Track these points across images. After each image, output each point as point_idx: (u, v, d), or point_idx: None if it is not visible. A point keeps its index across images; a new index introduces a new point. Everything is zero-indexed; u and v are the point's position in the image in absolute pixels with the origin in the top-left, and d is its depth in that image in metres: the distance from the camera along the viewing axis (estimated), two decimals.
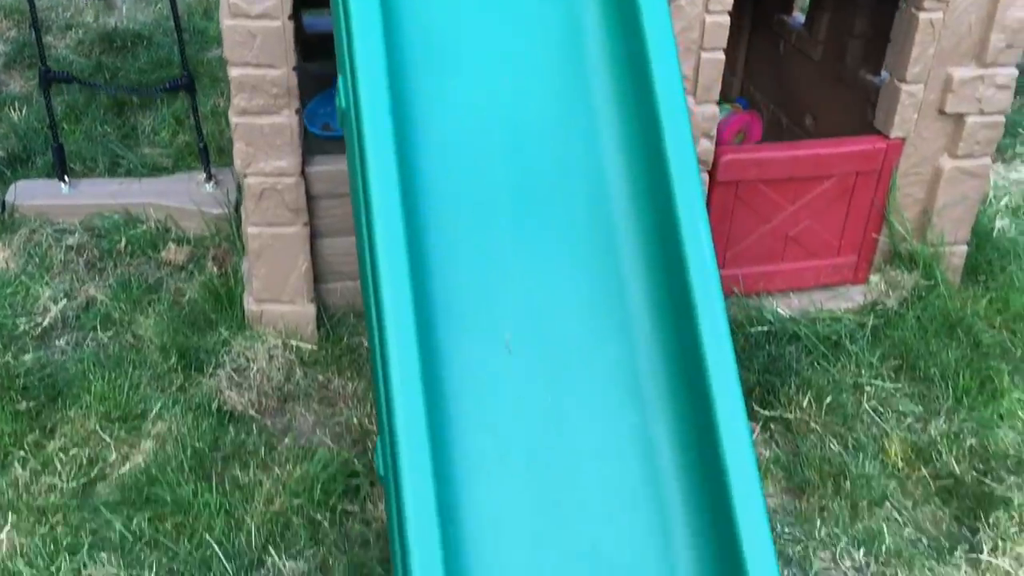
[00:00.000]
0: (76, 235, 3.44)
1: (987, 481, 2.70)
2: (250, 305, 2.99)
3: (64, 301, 3.14)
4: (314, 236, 2.96)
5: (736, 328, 3.16)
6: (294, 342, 3.00)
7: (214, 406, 2.77)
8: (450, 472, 1.81)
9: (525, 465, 1.86)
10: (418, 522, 1.68)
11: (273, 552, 2.37)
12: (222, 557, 2.32)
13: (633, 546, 1.89)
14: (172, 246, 3.40)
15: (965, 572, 2.45)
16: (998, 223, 3.79)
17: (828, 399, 2.93)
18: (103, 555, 2.32)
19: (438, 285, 1.95)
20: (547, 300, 2.02)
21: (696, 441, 1.93)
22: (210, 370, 2.89)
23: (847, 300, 3.37)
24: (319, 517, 2.47)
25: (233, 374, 2.89)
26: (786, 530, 2.55)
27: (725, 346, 1.90)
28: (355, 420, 2.80)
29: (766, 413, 2.90)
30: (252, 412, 2.79)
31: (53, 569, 2.28)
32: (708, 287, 1.94)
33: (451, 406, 1.85)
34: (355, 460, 2.63)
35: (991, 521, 2.56)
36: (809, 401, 2.93)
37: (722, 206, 3.17)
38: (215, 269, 3.27)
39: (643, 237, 2.10)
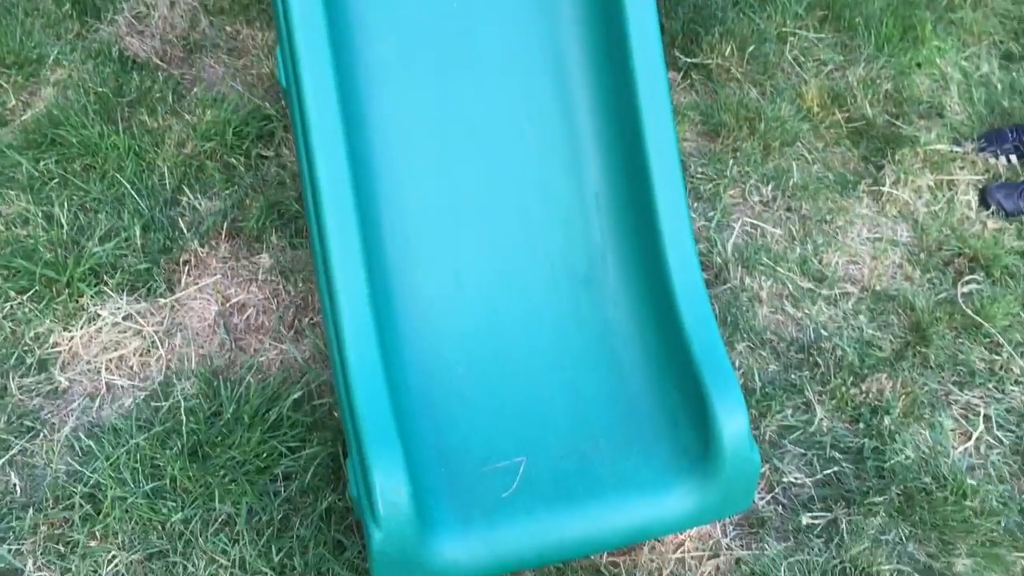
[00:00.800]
0: None
1: (898, 123, 2.75)
2: None
3: None
4: None
5: None
6: None
7: (115, 53, 2.64)
8: (354, 82, 1.77)
9: (432, 74, 1.82)
10: (321, 128, 1.66)
11: (188, 192, 2.35)
12: (135, 195, 2.30)
13: (543, 161, 1.90)
14: None
15: (866, 204, 2.55)
16: None
17: (751, 48, 2.90)
18: (12, 194, 2.28)
19: None
20: None
21: (608, 62, 1.89)
22: (108, 17, 2.73)
23: None
24: (233, 161, 2.44)
25: (133, 21, 2.74)
26: (699, 170, 2.60)
27: None
28: (267, 70, 2.70)
29: (688, 60, 2.86)
30: (156, 60, 2.67)
31: None
32: None
33: (352, 15, 1.76)
34: (267, 105, 2.56)
35: (897, 158, 2.63)
36: (732, 50, 2.89)
37: None
38: None
39: None
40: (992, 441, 2.08)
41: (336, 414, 1.95)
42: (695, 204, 2.51)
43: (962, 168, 2.66)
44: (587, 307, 1.86)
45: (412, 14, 1.81)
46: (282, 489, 1.85)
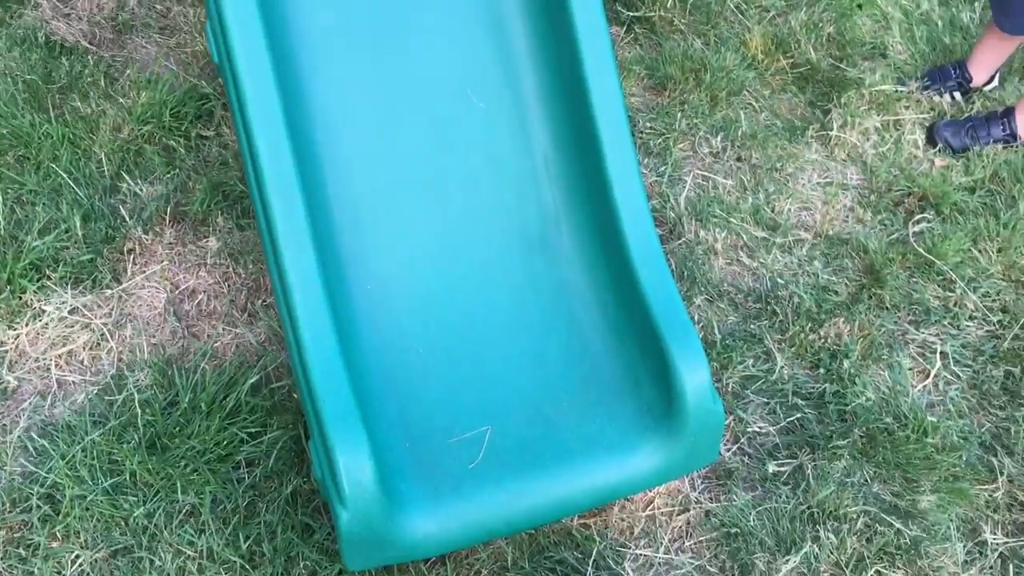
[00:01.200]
0: None
1: (842, 66, 2.75)
2: None
3: None
4: None
5: None
6: None
7: (41, 38, 2.55)
8: (290, 54, 1.72)
9: (371, 42, 1.77)
10: (258, 105, 1.61)
11: (128, 178, 2.29)
12: (73, 185, 2.23)
13: (490, 127, 1.87)
14: None
15: (815, 149, 2.56)
16: None
17: None
18: None
19: None
20: None
21: (549, 23, 1.85)
22: (31, 1, 2.63)
23: None
24: (173, 143, 2.37)
25: (59, 3, 2.64)
26: (648, 125, 2.58)
27: None
28: (201, 48, 2.62)
29: (630, 14, 2.83)
30: (86, 44, 2.58)
31: None
32: None
33: None
34: (204, 84, 2.49)
35: (843, 101, 2.63)
36: (674, 1, 2.86)
37: None
38: None
39: None
40: (950, 377, 2.11)
41: (295, 396, 1.92)
42: (645, 160, 2.50)
43: (907, 108, 2.67)
44: (543, 270, 1.85)
45: None
46: (245, 476, 1.82)
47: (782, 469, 1.93)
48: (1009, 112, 2.54)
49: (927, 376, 2.10)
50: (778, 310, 2.18)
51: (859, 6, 2.95)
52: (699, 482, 1.91)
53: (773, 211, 2.39)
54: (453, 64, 1.85)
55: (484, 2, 1.84)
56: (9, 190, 2.21)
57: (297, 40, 1.75)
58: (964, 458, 1.96)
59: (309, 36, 1.77)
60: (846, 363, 2.07)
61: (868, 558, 1.80)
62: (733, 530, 1.84)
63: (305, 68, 1.77)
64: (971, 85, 2.70)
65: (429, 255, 1.81)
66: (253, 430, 1.84)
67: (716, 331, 2.14)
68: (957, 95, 2.71)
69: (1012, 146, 2.54)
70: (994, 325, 2.19)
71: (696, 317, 2.16)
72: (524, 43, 1.88)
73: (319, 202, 1.74)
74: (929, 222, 2.38)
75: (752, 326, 2.15)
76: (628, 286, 1.74)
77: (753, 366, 2.08)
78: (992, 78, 2.73)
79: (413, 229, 1.81)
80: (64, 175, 2.24)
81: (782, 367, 2.08)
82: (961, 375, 2.11)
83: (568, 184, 1.87)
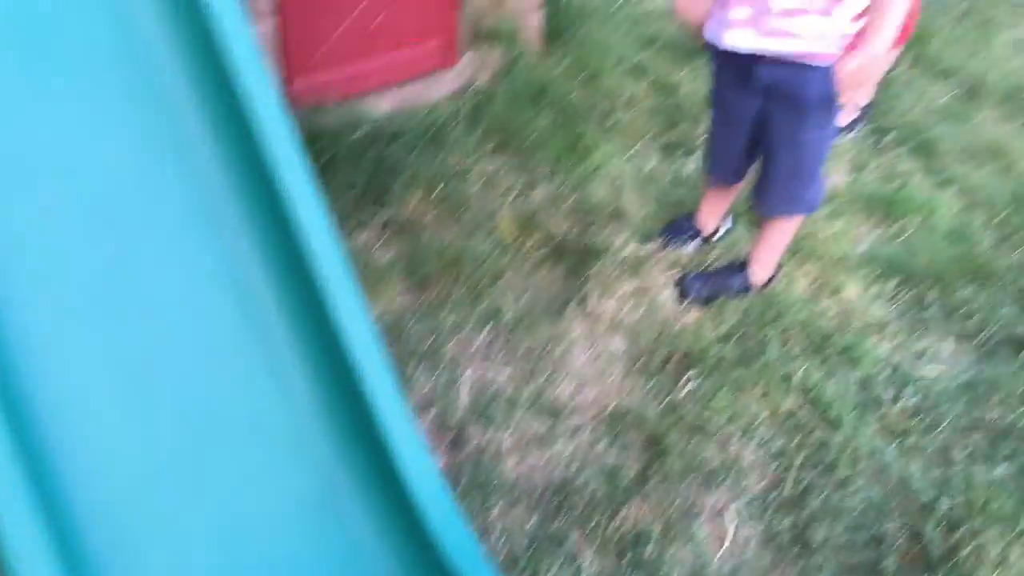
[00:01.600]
0: None
1: (587, 235, 2.89)
2: None
3: None
4: None
5: (337, 138, 3.05)
6: None
7: None
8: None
9: (101, 341, 1.67)
10: None
11: None
12: None
13: (248, 396, 1.80)
14: None
15: (579, 323, 2.64)
16: None
17: (438, 189, 2.95)
18: None
19: None
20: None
21: (286, 260, 1.82)
22: None
23: (441, 86, 3.36)
24: None
25: None
26: (416, 327, 2.58)
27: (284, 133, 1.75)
28: None
29: (381, 216, 2.86)
30: None
31: None
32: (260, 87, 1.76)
33: None
34: None
35: (595, 271, 2.75)
36: (421, 195, 2.93)
37: (297, 6, 2.97)
38: None
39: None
40: (745, 536, 2.18)
41: None
42: (420, 364, 2.48)
43: (656, 265, 2.82)
44: (332, 534, 1.77)
45: (62, 268, 1.66)
46: None
47: None
48: (744, 264, 2.73)
49: (724, 541, 2.16)
50: (576, 502, 2.19)
51: (593, 171, 3.13)
52: None
53: (553, 396, 2.44)
54: (196, 334, 1.77)
55: (224, 263, 1.79)
56: None
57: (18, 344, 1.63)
58: None
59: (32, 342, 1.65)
60: (649, 547, 2.10)
61: None
62: None
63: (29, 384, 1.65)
64: (703, 236, 2.89)
65: (210, 545, 1.69)
66: None
67: (520, 538, 2.12)
68: (697, 243, 2.90)
69: (748, 296, 2.73)
70: (773, 472, 2.30)
71: (498, 528, 2.13)
72: (272, 301, 1.84)
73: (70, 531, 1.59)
74: (696, 379, 2.49)
75: (554, 525, 2.15)
76: (420, 538, 1.69)
77: (563, 567, 2.07)
78: (720, 225, 2.93)
79: (188, 527, 1.69)
80: None
81: (592, 563, 2.08)
82: (754, 532, 2.18)
83: (340, 437, 1.82)
